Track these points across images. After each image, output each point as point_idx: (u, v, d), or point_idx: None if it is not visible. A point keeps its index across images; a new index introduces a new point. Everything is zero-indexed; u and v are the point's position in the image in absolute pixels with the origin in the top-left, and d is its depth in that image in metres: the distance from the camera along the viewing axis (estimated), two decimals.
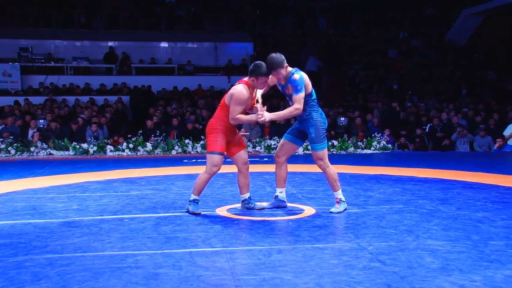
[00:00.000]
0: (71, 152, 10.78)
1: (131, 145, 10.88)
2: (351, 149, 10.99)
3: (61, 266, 3.30)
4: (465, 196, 5.69)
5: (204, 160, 9.54)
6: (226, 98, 4.76)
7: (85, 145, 10.87)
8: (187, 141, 11.06)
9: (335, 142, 11.14)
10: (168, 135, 11.66)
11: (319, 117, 4.77)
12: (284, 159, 4.99)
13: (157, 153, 10.87)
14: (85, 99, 15.50)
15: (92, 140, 11.40)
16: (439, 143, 12.09)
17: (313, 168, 8.06)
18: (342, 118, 12.58)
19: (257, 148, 11.10)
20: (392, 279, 3.02)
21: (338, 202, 4.88)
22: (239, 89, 4.66)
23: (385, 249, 3.63)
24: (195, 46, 19.95)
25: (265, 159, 9.93)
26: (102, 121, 12.73)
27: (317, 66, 17.75)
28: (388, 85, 17.35)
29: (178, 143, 11.03)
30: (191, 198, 4.86)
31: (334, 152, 10.80)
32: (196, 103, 15.49)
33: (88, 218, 4.73)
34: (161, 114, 13.66)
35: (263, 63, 4.65)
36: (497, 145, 11.40)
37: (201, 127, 12.63)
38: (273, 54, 4.64)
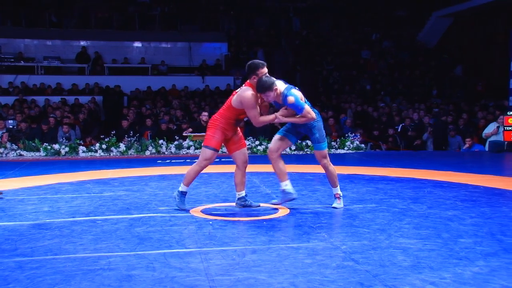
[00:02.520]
0: (42, 153, 10.59)
1: (104, 146, 10.75)
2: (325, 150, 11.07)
3: (31, 269, 3.24)
4: (435, 195, 5.80)
5: (179, 161, 9.54)
6: (232, 100, 4.80)
7: (56, 146, 10.68)
8: (161, 141, 10.98)
9: (309, 142, 11.21)
10: (142, 136, 11.57)
11: (318, 118, 4.91)
12: (277, 155, 5.01)
13: (130, 154, 10.76)
14: (56, 99, 15.25)
15: (64, 141, 11.21)
16: (411, 142, 12.29)
17: (288, 169, 8.09)
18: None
19: None
20: (365, 277, 3.06)
21: (338, 198, 5.10)
22: (246, 93, 4.69)
23: (358, 248, 3.67)
24: (168, 46, 19.83)
25: None
26: (74, 121, 12.54)
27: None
28: (361, 85, 17.56)
29: (152, 144, 10.94)
30: (179, 189, 4.96)
31: (308, 152, 10.87)
32: (170, 103, 15.40)
33: (59, 220, 4.65)
34: (134, 114, 13.54)
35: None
36: (466, 145, 11.66)
37: (175, 127, 12.57)
38: (263, 77, 4.67)
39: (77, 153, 10.66)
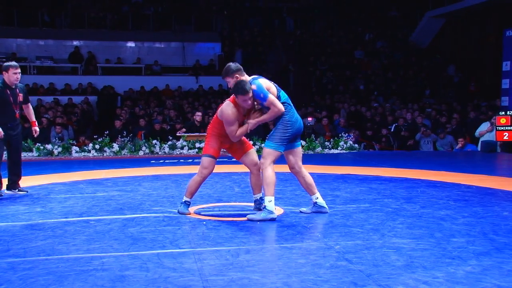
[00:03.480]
0: (34, 154, 10.53)
1: (97, 146, 10.71)
2: (319, 149, 11.10)
3: (23, 270, 3.22)
4: (428, 194, 5.82)
5: (172, 161, 9.52)
6: (218, 112, 4.72)
7: (49, 146, 10.63)
8: (154, 141, 10.96)
9: (303, 142, 11.23)
10: (135, 136, 11.54)
11: (288, 120, 4.52)
12: (298, 168, 4.76)
13: (124, 154, 10.73)
14: (49, 99, 15.18)
15: (57, 141, 11.16)
16: (404, 142, 12.33)
17: (280, 168, 8.11)
18: (310, 119, 12.69)
19: None
20: (358, 277, 3.07)
21: (262, 210, 4.57)
22: (224, 109, 4.57)
23: (352, 247, 3.68)
24: (162, 46, 19.80)
25: (233, 159, 9.92)
26: (67, 121, 12.50)
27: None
28: (354, 85, 17.61)
29: (146, 144, 10.92)
30: (182, 200, 4.89)
31: (302, 152, 10.88)
32: (163, 103, 15.38)
33: (52, 220, 4.63)
34: (128, 114, 13.50)
35: (243, 81, 4.49)
36: (459, 144, 11.71)
37: (168, 127, 12.55)
38: (230, 63, 4.64)
39: (70, 153, 10.62)
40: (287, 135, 4.54)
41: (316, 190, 4.83)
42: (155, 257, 3.48)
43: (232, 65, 4.69)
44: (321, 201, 4.83)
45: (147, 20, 20.08)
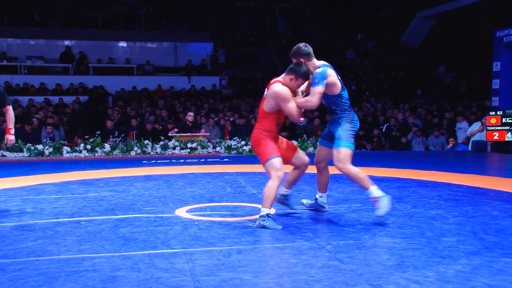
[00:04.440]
0: (25, 154, 10.48)
1: (88, 146, 10.66)
2: (311, 149, 11.12)
3: (13, 271, 3.20)
4: (419, 194, 5.85)
5: (164, 161, 9.50)
6: (264, 105, 4.42)
7: (40, 147, 10.58)
8: (146, 142, 10.93)
9: (295, 142, 11.24)
10: (127, 136, 11.50)
11: (350, 120, 4.44)
12: (324, 165, 4.75)
13: (115, 154, 10.69)
14: (40, 99, 15.10)
15: (48, 141, 11.10)
16: (395, 142, 12.39)
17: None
18: (302, 119, 12.69)
19: (218, 149, 11.08)
20: (350, 276, 3.08)
21: (376, 201, 4.36)
22: (278, 88, 4.29)
23: (343, 247, 3.69)
24: (154, 46, 19.75)
25: (225, 159, 9.93)
26: (58, 122, 12.43)
27: None
28: (346, 85, 17.62)
29: (137, 144, 10.89)
30: (263, 213, 4.27)
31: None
32: (155, 103, 15.34)
33: (43, 221, 4.60)
34: (119, 114, 13.45)
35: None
36: (450, 144, 11.78)
37: (160, 127, 12.52)
38: (300, 44, 4.41)
39: (61, 153, 10.57)
40: (353, 133, 4.44)
41: (325, 191, 4.87)
42: (147, 257, 3.47)
43: (302, 47, 4.44)
44: (323, 200, 4.88)
45: (139, 20, 20.03)
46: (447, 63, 19.48)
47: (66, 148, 10.64)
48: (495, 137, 10.75)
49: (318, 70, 4.32)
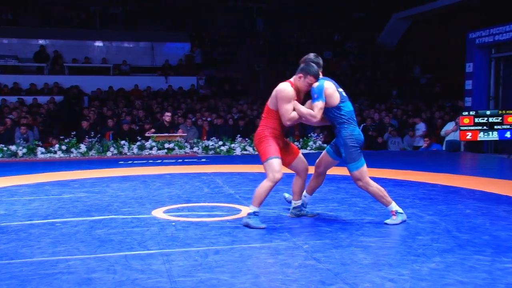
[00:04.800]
0: None
1: (64, 147, 10.51)
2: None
3: None
4: (395, 193, 5.91)
5: (141, 162, 9.42)
6: (269, 103, 4.40)
7: (13, 147, 10.38)
8: (123, 142, 10.82)
9: None
10: (103, 136, 11.37)
11: (349, 134, 4.37)
12: (322, 171, 4.72)
13: (91, 155, 10.56)
14: (13, 99, 14.83)
15: (22, 142, 10.90)
16: (372, 142, 12.51)
17: (250, 169, 8.13)
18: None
19: (195, 149, 11.04)
20: (327, 276, 3.10)
21: (394, 215, 4.42)
22: (283, 86, 4.31)
23: (320, 247, 3.72)
24: (131, 45, 19.57)
25: (203, 159, 9.90)
26: (32, 122, 12.23)
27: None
28: None
29: (114, 145, 10.77)
30: (250, 211, 4.31)
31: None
32: (132, 103, 15.21)
33: (16, 223, 4.52)
34: (96, 115, 13.30)
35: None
36: (425, 144, 11.96)
37: (137, 128, 12.42)
38: (312, 55, 4.50)
39: (35, 154, 10.39)
40: (355, 149, 4.37)
41: (311, 193, 4.81)
42: (123, 259, 3.44)
43: (312, 57, 4.52)
44: (306, 200, 4.80)
45: (116, 20, 19.81)
46: (423, 64, 19.77)
47: (40, 149, 10.46)
48: (468, 137, 10.94)
49: (315, 85, 4.34)
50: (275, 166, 4.26)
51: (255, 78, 18.80)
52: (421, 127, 12.62)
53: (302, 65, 4.42)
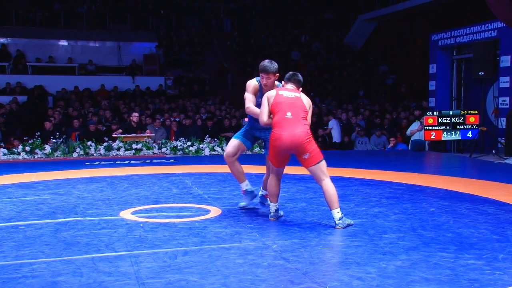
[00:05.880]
0: None
1: (28, 148, 10.25)
2: (257, 149, 11.19)
3: None
4: (362, 192, 6.01)
5: (108, 163, 9.28)
6: (306, 104, 4.51)
7: None
8: (89, 143, 10.64)
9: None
10: (69, 137, 11.15)
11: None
12: (234, 159, 4.94)
13: (56, 156, 10.34)
14: None
15: None
16: (339, 142, 12.66)
17: (219, 169, 8.11)
18: (246, 119, 12.74)
19: (163, 150, 10.95)
20: (295, 275, 3.12)
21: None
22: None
23: (289, 246, 3.74)
24: (97, 45, 19.27)
25: (171, 160, 9.82)
26: None
27: None
28: None
29: (80, 145, 10.58)
30: (340, 215, 4.27)
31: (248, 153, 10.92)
32: (99, 104, 14.97)
33: None
34: (61, 115, 13.03)
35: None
36: (391, 144, 12.18)
37: (104, 128, 12.22)
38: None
39: None
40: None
41: (245, 178, 5.04)
42: (90, 261, 3.39)
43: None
44: (249, 187, 5.06)
45: (80, 18, 19.45)
46: (388, 64, 20.13)
47: (2, 150, 10.18)
48: (432, 137, 11.18)
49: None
50: (325, 167, 4.50)
51: (223, 78, 18.77)
52: (332, 124, 12.95)
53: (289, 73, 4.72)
